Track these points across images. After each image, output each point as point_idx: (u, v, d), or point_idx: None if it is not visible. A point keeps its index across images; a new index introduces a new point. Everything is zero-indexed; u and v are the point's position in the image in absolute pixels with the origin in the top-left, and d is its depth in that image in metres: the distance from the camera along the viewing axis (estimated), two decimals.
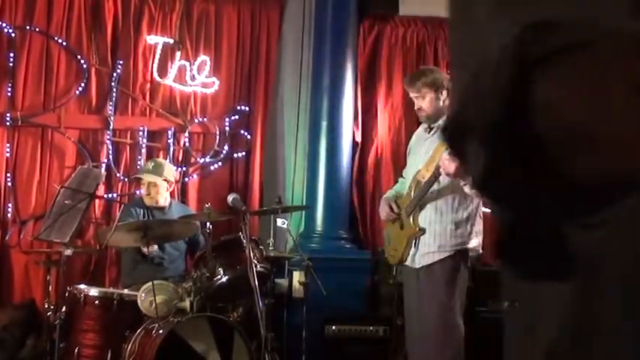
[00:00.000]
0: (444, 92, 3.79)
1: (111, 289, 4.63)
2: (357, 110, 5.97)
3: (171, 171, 5.15)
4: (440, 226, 3.65)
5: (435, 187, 3.66)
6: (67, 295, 4.28)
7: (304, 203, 5.74)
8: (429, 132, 3.92)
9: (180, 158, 5.74)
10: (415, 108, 3.91)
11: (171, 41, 5.71)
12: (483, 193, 0.90)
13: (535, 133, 0.72)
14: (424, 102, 3.81)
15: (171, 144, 5.68)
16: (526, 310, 0.77)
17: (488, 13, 0.79)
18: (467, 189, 3.53)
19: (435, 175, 3.60)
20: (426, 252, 3.66)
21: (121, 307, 4.17)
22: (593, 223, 0.70)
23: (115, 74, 5.57)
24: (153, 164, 5.09)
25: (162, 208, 5.06)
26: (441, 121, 3.81)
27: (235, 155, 5.85)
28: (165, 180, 5.01)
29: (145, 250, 4.61)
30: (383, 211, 3.93)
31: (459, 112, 0.82)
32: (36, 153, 5.45)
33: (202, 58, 5.76)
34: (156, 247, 4.70)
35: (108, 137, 5.55)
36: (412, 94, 3.88)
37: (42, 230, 4.22)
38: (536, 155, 0.72)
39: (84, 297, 4.19)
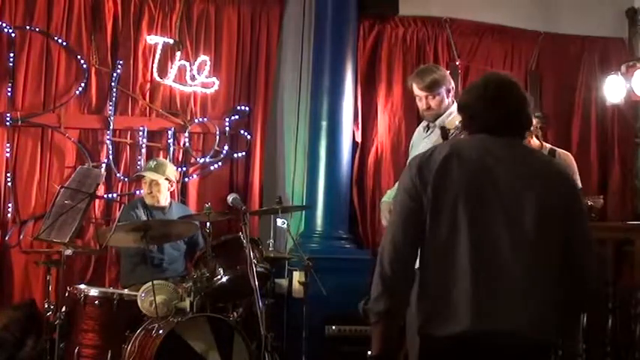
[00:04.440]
0: (446, 90, 3.83)
1: (111, 289, 4.63)
2: (357, 110, 5.97)
3: (172, 170, 5.16)
4: None
5: None
6: (67, 295, 4.28)
7: (304, 203, 5.74)
8: (427, 131, 3.92)
9: (180, 158, 5.73)
10: (422, 107, 3.90)
11: (171, 41, 5.70)
12: None
13: None
14: (434, 101, 3.82)
15: (171, 144, 5.67)
16: None
17: None
18: None
19: None
20: None
21: (121, 307, 4.17)
22: None
23: (115, 74, 5.56)
24: (155, 163, 5.10)
25: (162, 208, 5.06)
26: (439, 121, 3.81)
27: (235, 155, 5.84)
28: (167, 179, 5.03)
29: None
30: (384, 218, 3.90)
31: None
32: (36, 153, 5.44)
33: (202, 58, 5.76)
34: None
35: (108, 137, 5.55)
36: (422, 93, 3.87)
37: (42, 230, 4.23)
38: None
39: (84, 297, 4.19)
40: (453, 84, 3.92)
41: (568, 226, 2.20)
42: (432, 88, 3.82)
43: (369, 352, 2.33)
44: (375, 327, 2.24)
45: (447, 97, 3.84)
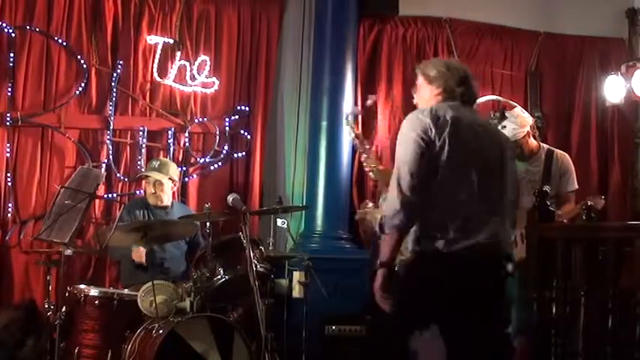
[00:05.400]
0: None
1: (111, 289, 4.63)
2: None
3: (176, 170, 5.18)
4: None
5: None
6: (67, 295, 4.28)
7: (304, 203, 5.74)
8: None
9: (180, 158, 5.73)
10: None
11: (171, 41, 5.70)
12: None
13: None
14: None
15: (172, 144, 5.67)
16: None
17: None
18: None
19: None
20: None
21: (121, 307, 4.17)
22: None
23: (115, 74, 5.56)
24: (158, 163, 5.10)
25: (164, 208, 5.07)
26: None
27: (235, 155, 5.85)
28: (170, 179, 5.04)
29: (136, 258, 4.63)
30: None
31: None
32: (36, 153, 5.44)
33: (202, 58, 5.76)
34: (144, 253, 4.67)
35: (108, 137, 5.55)
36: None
37: (42, 230, 4.22)
38: None
39: (84, 297, 4.19)
40: None
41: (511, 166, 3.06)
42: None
43: (379, 261, 2.89)
44: (389, 238, 2.84)
45: None
